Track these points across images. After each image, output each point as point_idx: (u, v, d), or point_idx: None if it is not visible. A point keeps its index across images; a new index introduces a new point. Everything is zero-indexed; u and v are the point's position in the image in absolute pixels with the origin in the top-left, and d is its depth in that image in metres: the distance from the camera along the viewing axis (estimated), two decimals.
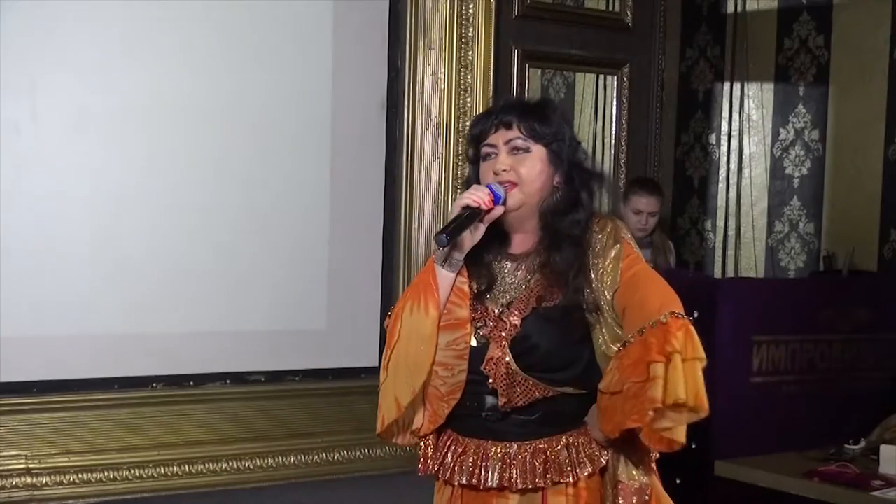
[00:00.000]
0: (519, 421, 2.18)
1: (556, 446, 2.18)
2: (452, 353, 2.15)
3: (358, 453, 4.62)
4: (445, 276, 2.15)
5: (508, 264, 2.22)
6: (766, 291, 4.08)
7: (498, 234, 2.22)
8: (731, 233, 5.65)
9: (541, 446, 2.18)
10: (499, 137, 2.19)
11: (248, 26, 4.41)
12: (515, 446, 2.18)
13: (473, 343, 2.17)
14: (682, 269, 5.56)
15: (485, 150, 2.21)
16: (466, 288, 2.17)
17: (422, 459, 2.29)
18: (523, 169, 2.18)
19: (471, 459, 2.19)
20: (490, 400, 2.18)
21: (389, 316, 2.22)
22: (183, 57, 4.28)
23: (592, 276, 2.16)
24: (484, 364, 2.15)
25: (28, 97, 4.03)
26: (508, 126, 2.19)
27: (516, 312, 2.16)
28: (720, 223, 5.74)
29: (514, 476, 2.15)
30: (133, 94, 4.20)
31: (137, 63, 4.20)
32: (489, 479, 2.16)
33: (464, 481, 2.19)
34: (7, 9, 3.96)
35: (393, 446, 4.59)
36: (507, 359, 2.14)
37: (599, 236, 2.21)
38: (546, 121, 2.21)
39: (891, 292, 4.24)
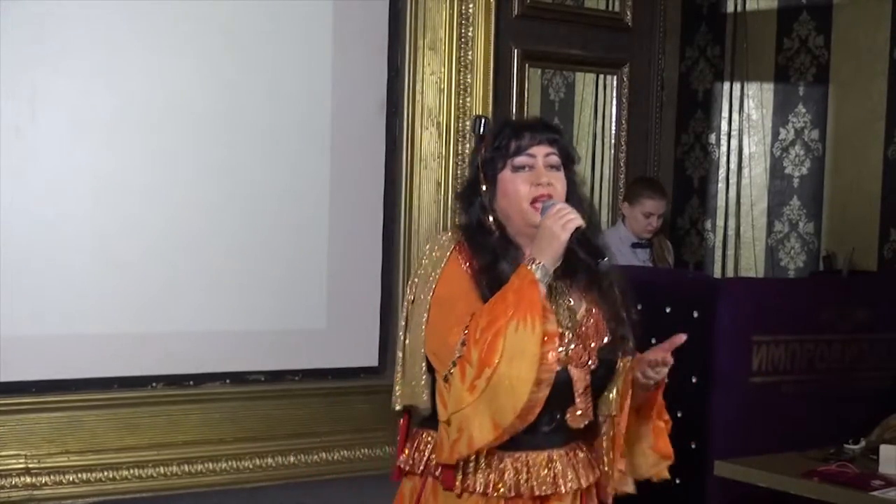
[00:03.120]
0: (565, 428, 2.27)
1: (583, 450, 2.32)
2: (543, 368, 2.14)
3: (358, 453, 4.62)
4: (543, 293, 2.15)
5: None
6: (765, 291, 4.07)
7: (509, 248, 2.24)
8: (731, 233, 5.65)
9: (580, 454, 2.30)
10: (540, 151, 2.24)
11: (248, 27, 4.42)
12: (564, 451, 2.28)
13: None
14: (681, 269, 5.56)
15: (521, 160, 2.23)
16: (546, 303, 2.18)
17: (460, 476, 2.21)
18: (559, 185, 2.24)
19: (543, 472, 2.23)
20: (549, 415, 2.23)
21: (468, 336, 2.10)
22: (183, 58, 4.29)
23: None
24: (577, 388, 2.24)
25: (28, 99, 4.03)
26: (551, 143, 2.25)
27: (593, 343, 2.27)
28: (720, 223, 5.74)
29: (576, 477, 2.27)
30: (133, 95, 4.20)
31: (137, 64, 4.20)
32: (563, 486, 2.24)
33: (540, 492, 2.23)
34: (7, 10, 3.96)
35: (392, 446, 4.59)
36: (587, 384, 2.25)
37: None
38: (572, 147, 2.33)
39: (891, 292, 4.23)
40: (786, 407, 3.79)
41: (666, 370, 2.24)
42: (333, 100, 4.61)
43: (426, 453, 2.27)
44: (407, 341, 2.27)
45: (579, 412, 2.24)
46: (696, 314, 3.74)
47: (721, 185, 5.74)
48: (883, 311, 4.07)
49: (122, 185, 4.19)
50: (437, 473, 2.24)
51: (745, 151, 5.62)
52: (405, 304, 2.32)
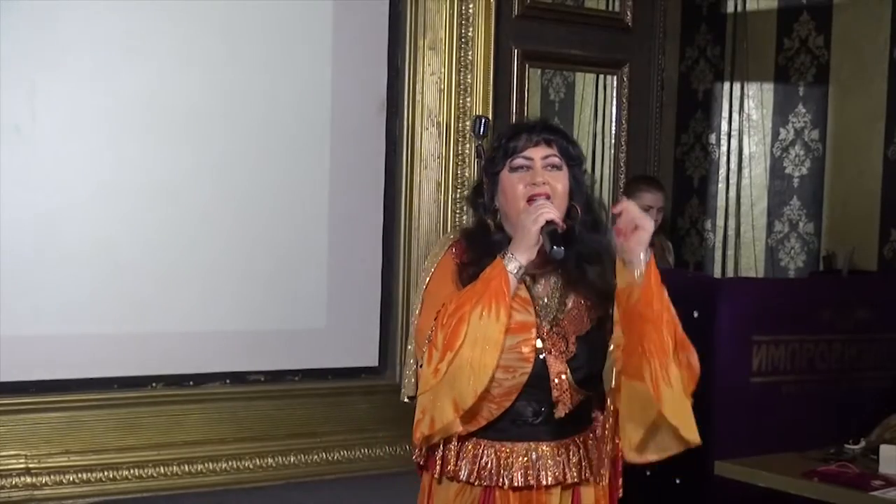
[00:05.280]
0: (554, 422, 2.31)
1: (581, 443, 2.35)
2: (516, 356, 2.22)
3: (357, 453, 4.62)
4: (514, 284, 2.20)
5: (527, 277, 2.29)
6: (765, 291, 4.08)
7: (501, 245, 2.28)
8: (731, 233, 5.65)
9: (572, 445, 2.33)
10: (537, 153, 2.28)
11: (248, 27, 4.41)
12: (552, 445, 2.31)
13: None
14: (681, 269, 5.56)
15: (519, 161, 2.28)
16: (525, 294, 2.27)
17: (439, 464, 2.30)
18: (558, 185, 2.27)
19: (520, 460, 2.28)
20: (533, 406, 2.29)
21: (436, 321, 2.18)
22: (183, 57, 4.29)
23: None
24: (554, 377, 2.27)
25: (28, 98, 4.03)
26: (549, 144, 2.29)
27: (572, 334, 2.30)
28: (720, 223, 5.74)
29: (561, 472, 2.30)
30: (133, 94, 4.20)
31: (137, 63, 4.20)
32: (545, 479, 2.28)
33: (518, 483, 2.27)
34: (7, 9, 3.96)
35: (392, 446, 4.60)
36: (566, 375, 2.28)
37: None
38: (575, 145, 2.35)
39: (891, 292, 4.23)
40: (786, 407, 3.79)
41: (628, 215, 2.13)
42: (333, 100, 4.60)
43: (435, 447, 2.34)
44: (413, 340, 2.37)
45: (558, 402, 2.27)
46: (696, 314, 3.74)
47: (721, 185, 5.74)
48: (883, 311, 4.07)
49: (121, 184, 4.19)
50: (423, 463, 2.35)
51: (745, 151, 5.62)
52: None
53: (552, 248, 2.15)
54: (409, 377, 2.39)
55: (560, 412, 2.29)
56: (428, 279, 2.32)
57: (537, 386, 2.26)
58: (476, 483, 2.28)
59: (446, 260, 2.32)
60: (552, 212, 2.18)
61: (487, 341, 2.14)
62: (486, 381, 2.15)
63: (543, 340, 2.27)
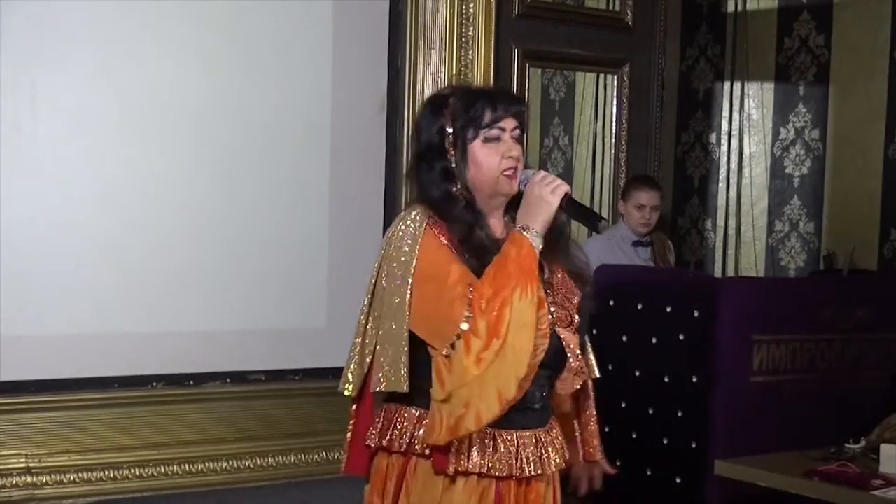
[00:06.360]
0: (547, 406, 2.31)
1: (554, 425, 2.34)
2: (539, 334, 2.15)
3: None
4: (537, 261, 2.18)
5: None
6: (766, 291, 4.08)
7: (477, 216, 2.24)
8: (732, 232, 5.65)
9: (553, 429, 2.32)
10: (509, 123, 2.24)
11: (248, 27, 4.42)
12: (545, 431, 2.30)
13: None
14: (682, 269, 5.56)
15: (494, 132, 2.23)
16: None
17: (453, 458, 2.17)
18: (522, 156, 2.27)
19: (530, 449, 2.23)
20: (539, 390, 2.25)
21: (472, 307, 2.07)
22: (183, 57, 4.29)
23: None
24: (569, 348, 2.25)
25: (29, 97, 4.03)
26: (518, 115, 2.27)
27: (574, 301, 2.29)
28: (720, 222, 5.73)
29: (560, 457, 2.30)
30: (133, 94, 4.20)
31: (138, 63, 4.20)
32: (550, 466, 2.27)
33: (530, 472, 2.22)
34: (7, 9, 3.96)
35: None
36: (574, 345, 2.27)
37: None
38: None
39: (891, 291, 4.23)
40: (786, 406, 3.79)
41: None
42: (334, 100, 4.61)
43: (409, 431, 2.22)
44: (389, 327, 2.18)
45: (574, 372, 2.27)
46: (696, 313, 3.74)
47: (721, 185, 5.74)
48: (883, 311, 4.07)
49: (122, 184, 4.19)
50: (426, 453, 2.19)
51: (746, 151, 5.62)
52: (372, 288, 2.25)
53: (597, 219, 2.19)
54: (355, 371, 2.30)
55: (577, 382, 2.29)
56: (414, 264, 2.15)
57: (547, 365, 2.20)
58: (495, 475, 2.20)
59: (430, 240, 2.18)
60: (565, 184, 2.18)
61: (525, 325, 2.08)
62: (525, 366, 2.09)
63: (551, 313, 2.23)
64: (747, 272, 5.55)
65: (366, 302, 2.27)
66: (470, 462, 2.18)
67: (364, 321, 2.28)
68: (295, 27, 4.53)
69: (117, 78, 4.17)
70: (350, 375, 2.34)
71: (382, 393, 2.26)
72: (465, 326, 2.07)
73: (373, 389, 2.26)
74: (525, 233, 2.14)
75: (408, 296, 2.16)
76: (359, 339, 2.30)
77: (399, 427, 2.24)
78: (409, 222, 2.21)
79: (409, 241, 2.18)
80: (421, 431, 2.19)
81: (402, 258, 2.18)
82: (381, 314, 2.21)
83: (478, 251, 2.18)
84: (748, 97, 5.61)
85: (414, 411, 2.22)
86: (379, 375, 2.22)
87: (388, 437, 2.25)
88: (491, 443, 2.20)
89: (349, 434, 2.42)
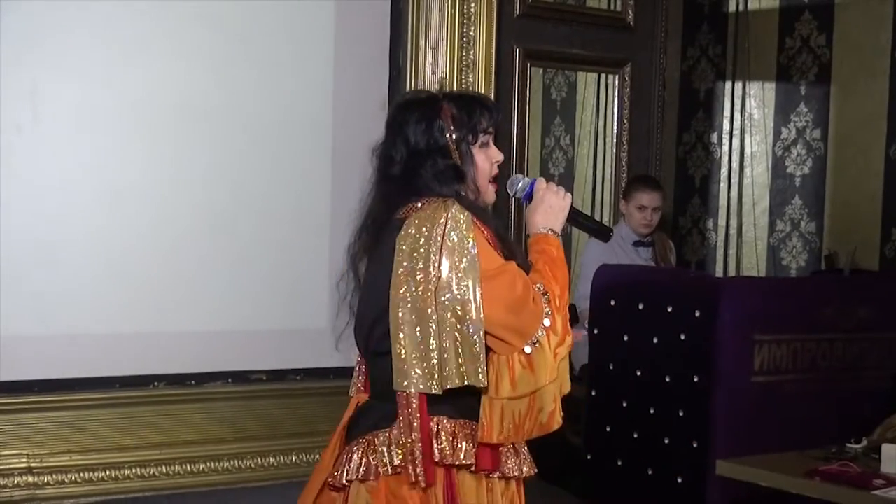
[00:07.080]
0: None
1: None
2: None
3: None
4: None
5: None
6: (767, 290, 4.07)
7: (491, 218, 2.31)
8: (733, 232, 5.65)
9: None
10: (493, 130, 2.34)
11: (249, 26, 4.42)
12: None
13: None
14: (683, 269, 5.56)
15: (487, 138, 2.31)
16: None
17: (473, 458, 2.12)
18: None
19: (525, 447, 2.25)
20: None
21: (550, 304, 2.09)
22: (184, 57, 4.29)
23: None
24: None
25: (29, 97, 4.03)
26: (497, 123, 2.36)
27: None
28: (722, 222, 5.73)
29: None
30: (134, 94, 4.20)
31: (138, 63, 4.20)
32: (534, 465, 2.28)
33: (529, 472, 2.24)
34: (8, 9, 3.96)
35: None
36: None
37: None
38: None
39: (893, 291, 4.23)
40: (787, 406, 3.78)
41: None
42: (335, 99, 4.61)
43: (452, 442, 2.11)
44: (465, 327, 2.06)
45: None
46: (697, 313, 3.74)
47: (723, 185, 5.74)
48: (885, 310, 4.07)
49: (123, 184, 4.19)
50: (466, 462, 2.11)
51: (747, 151, 5.62)
52: (425, 284, 2.11)
53: (607, 231, 2.37)
54: (456, 367, 2.07)
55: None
56: (477, 261, 2.07)
57: None
58: (513, 475, 2.19)
59: (480, 238, 2.12)
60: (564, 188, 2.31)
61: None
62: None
63: None
64: (748, 272, 5.55)
65: (407, 296, 2.17)
66: (508, 465, 2.18)
67: (431, 323, 2.11)
68: (296, 27, 4.53)
69: (118, 78, 4.17)
70: (417, 373, 2.10)
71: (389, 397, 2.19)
72: (547, 323, 2.10)
73: (445, 386, 2.08)
74: (556, 236, 2.26)
75: (478, 293, 2.06)
76: (432, 327, 2.10)
77: (441, 438, 2.13)
78: (458, 215, 2.11)
79: (466, 234, 2.09)
80: (464, 443, 2.12)
81: (465, 254, 2.09)
82: (454, 314, 2.08)
83: (512, 250, 2.23)
84: (749, 97, 5.61)
85: (445, 421, 2.13)
86: (449, 371, 2.07)
87: (439, 451, 2.12)
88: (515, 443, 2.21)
89: (417, 440, 2.12)
